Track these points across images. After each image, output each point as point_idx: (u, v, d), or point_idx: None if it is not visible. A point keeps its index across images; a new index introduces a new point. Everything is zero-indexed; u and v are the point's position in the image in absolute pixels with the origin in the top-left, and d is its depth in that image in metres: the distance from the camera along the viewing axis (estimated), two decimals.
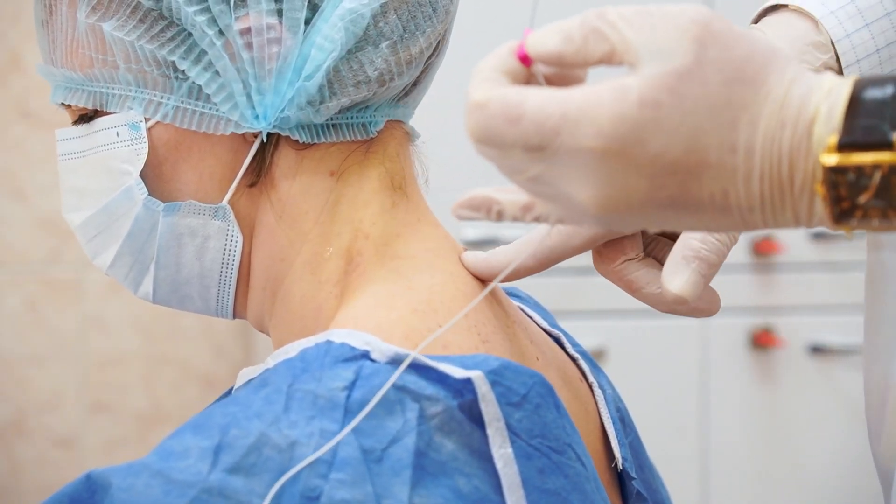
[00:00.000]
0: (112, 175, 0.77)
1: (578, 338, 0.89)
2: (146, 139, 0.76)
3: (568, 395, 0.78)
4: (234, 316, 0.81)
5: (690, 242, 0.74)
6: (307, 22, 0.73)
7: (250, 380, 0.71)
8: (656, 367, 1.97)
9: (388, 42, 0.74)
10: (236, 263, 0.77)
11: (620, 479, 0.81)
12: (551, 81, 0.61)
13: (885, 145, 0.55)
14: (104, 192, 0.78)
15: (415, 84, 0.79)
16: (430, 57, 0.77)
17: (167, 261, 0.78)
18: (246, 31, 0.72)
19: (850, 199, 0.56)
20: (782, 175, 0.57)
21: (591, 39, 0.58)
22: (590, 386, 0.83)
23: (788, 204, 0.57)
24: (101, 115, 0.77)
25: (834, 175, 0.55)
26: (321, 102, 0.73)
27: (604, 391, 0.83)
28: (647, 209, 0.58)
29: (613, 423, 0.82)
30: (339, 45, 0.72)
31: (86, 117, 0.78)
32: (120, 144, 0.77)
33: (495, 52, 0.61)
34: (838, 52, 0.84)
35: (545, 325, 0.85)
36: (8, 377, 2.27)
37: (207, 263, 0.77)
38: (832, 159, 0.56)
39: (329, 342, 0.68)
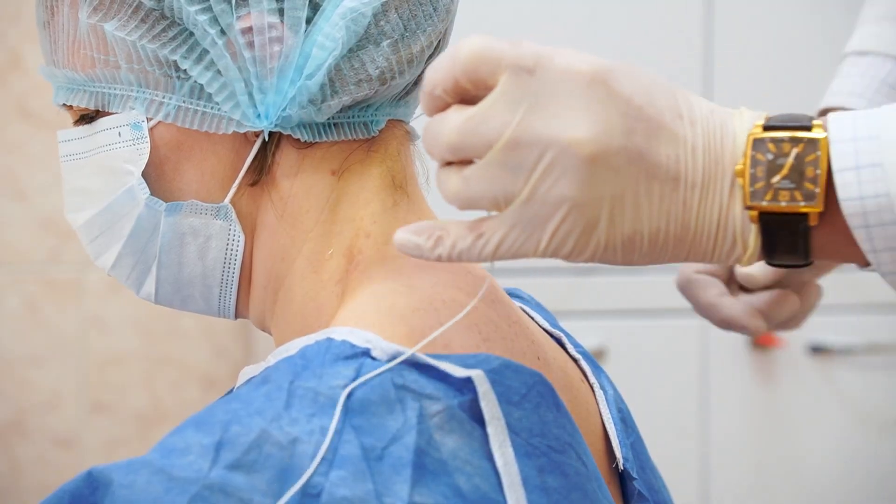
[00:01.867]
0: (114, 175, 0.77)
1: (578, 338, 0.89)
2: (148, 139, 0.76)
3: (569, 395, 0.78)
4: (236, 316, 0.81)
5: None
6: (308, 21, 0.73)
7: (251, 378, 0.72)
8: (656, 367, 1.97)
9: (389, 41, 0.74)
10: (238, 263, 0.77)
11: (622, 479, 0.81)
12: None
13: (805, 128, 0.61)
14: (106, 192, 0.78)
15: (416, 83, 0.79)
16: (430, 56, 0.78)
17: (169, 261, 0.78)
18: (247, 31, 0.73)
19: (765, 179, 0.61)
20: (717, 148, 0.62)
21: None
22: (591, 387, 0.83)
23: (718, 183, 0.62)
24: (102, 116, 0.78)
25: (754, 152, 0.61)
26: (322, 101, 0.73)
27: (605, 392, 0.83)
28: (621, 165, 0.61)
29: (615, 424, 0.82)
30: (340, 43, 0.72)
31: (87, 117, 0.78)
32: (122, 144, 0.77)
33: None
34: None
35: (546, 325, 0.85)
36: (8, 377, 2.27)
37: (210, 263, 0.78)
38: (757, 131, 0.62)
39: (329, 340, 0.68)
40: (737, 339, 2.00)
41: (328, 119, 0.75)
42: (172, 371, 2.30)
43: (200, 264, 0.78)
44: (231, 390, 0.78)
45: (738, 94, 1.97)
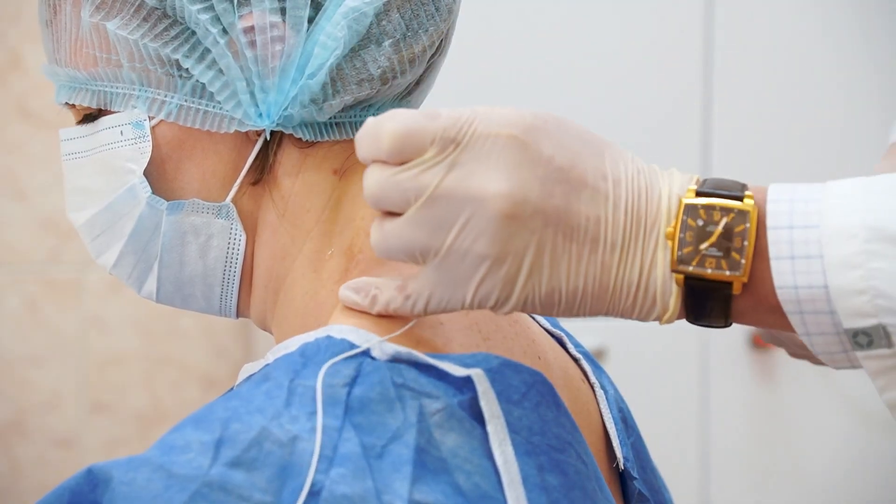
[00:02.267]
0: (116, 174, 0.77)
1: (578, 338, 0.89)
2: (150, 137, 0.76)
3: (569, 395, 0.78)
4: (238, 315, 0.81)
5: None
6: (310, 20, 0.73)
7: (251, 375, 0.72)
8: (656, 367, 1.97)
9: (390, 40, 0.74)
10: (240, 262, 0.77)
11: (622, 479, 0.81)
12: None
13: (736, 197, 0.63)
14: (108, 190, 0.78)
15: (418, 83, 0.79)
16: (432, 56, 0.78)
17: (171, 259, 0.78)
18: (249, 30, 0.73)
19: (693, 245, 0.63)
20: (641, 209, 0.64)
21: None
22: (591, 386, 0.83)
23: (640, 245, 0.64)
24: (104, 115, 0.77)
25: (686, 217, 0.63)
26: (324, 101, 0.73)
27: (605, 392, 0.83)
28: (537, 227, 0.63)
29: (615, 424, 0.82)
30: (342, 43, 0.72)
31: (90, 117, 0.78)
32: (124, 143, 0.77)
33: None
34: None
35: (547, 325, 0.85)
36: (8, 377, 2.27)
37: (211, 262, 0.77)
38: (690, 196, 0.64)
39: (329, 338, 0.68)
40: (737, 339, 2.00)
41: (330, 118, 0.75)
42: (172, 371, 2.30)
43: (202, 263, 0.78)
44: (231, 389, 0.78)
45: (738, 94, 1.97)
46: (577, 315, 0.66)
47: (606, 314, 0.66)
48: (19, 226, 2.26)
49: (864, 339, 0.62)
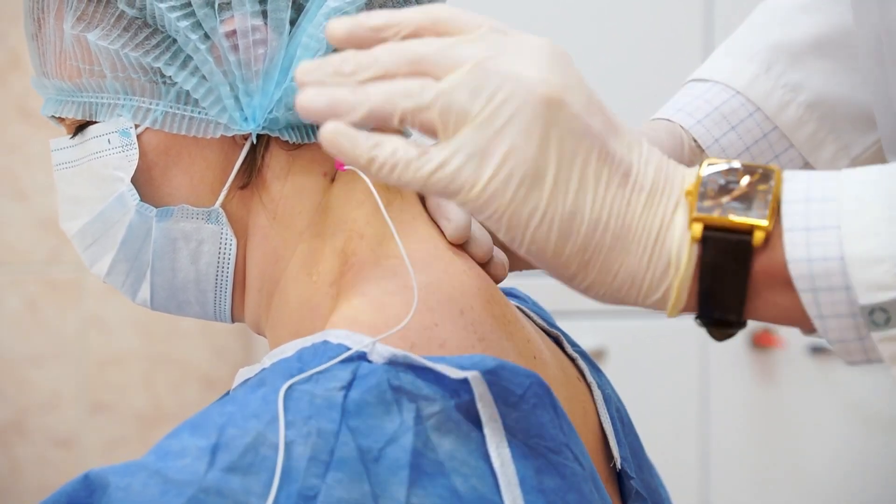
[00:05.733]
0: (105, 182, 0.77)
1: (578, 338, 0.89)
2: (136, 145, 0.76)
3: (566, 394, 0.78)
4: (233, 320, 0.81)
5: None
6: (292, 22, 0.73)
7: (247, 379, 0.72)
8: (656, 367, 1.97)
9: None
10: (231, 267, 0.77)
11: (619, 478, 0.81)
12: None
13: (759, 166, 0.62)
14: (98, 199, 0.78)
15: None
16: None
17: (163, 266, 0.78)
18: (231, 34, 0.72)
19: (715, 199, 0.61)
20: (669, 171, 0.63)
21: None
22: (588, 386, 0.83)
23: (665, 199, 0.62)
24: (93, 125, 0.77)
25: (707, 175, 0.62)
26: None
27: (602, 391, 0.83)
28: (576, 130, 0.61)
29: (612, 423, 0.82)
30: (324, 44, 0.72)
31: (79, 129, 0.78)
32: (112, 151, 0.76)
33: None
34: (709, 156, 0.89)
35: (544, 324, 0.85)
36: (8, 377, 2.27)
37: (203, 268, 0.77)
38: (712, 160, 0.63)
39: (326, 342, 0.68)
40: (737, 339, 2.00)
41: None
42: (172, 371, 2.30)
43: (194, 269, 0.77)
44: (227, 393, 0.78)
45: None
46: (588, 264, 0.61)
47: (617, 276, 0.62)
48: (19, 226, 2.27)
49: (882, 316, 0.57)
